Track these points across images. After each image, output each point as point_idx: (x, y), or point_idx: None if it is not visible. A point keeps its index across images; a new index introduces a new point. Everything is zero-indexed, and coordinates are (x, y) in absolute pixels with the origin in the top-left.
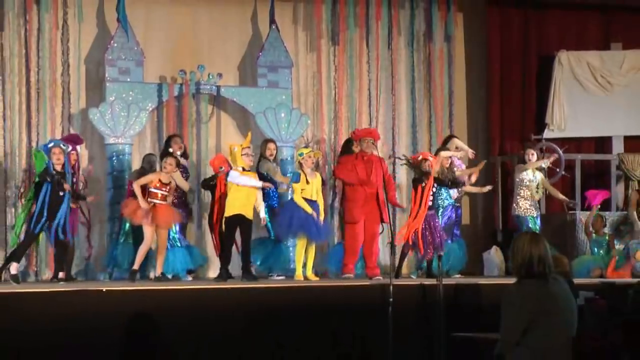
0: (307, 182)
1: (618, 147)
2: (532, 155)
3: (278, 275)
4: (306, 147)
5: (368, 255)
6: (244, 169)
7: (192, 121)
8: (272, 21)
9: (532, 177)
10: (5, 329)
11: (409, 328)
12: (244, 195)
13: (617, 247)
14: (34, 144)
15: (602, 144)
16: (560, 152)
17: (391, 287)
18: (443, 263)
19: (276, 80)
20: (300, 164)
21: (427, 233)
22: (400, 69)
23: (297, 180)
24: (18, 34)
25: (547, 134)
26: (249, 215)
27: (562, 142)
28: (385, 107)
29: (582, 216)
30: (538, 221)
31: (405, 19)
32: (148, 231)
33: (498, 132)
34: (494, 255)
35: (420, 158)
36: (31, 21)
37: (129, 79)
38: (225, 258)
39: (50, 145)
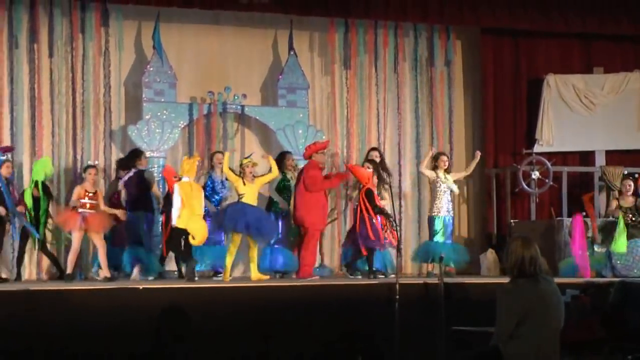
0: (239, 193)
1: (600, 160)
2: (445, 162)
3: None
4: (247, 157)
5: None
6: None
7: (220, 137)
8: (291, 48)
9: (442, 178)
10: (51, 321)
11: (413, 323)
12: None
13: (597, 250)
14: (78, 157)
15: (586, 157)
16: (549, 164)
17: (397, 286)
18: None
19: (294, 101)
20: (241, 172)
21: (365, 233)
22: (405, 91)
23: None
24: (65, 60)
25: (536, 148)
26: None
27: (550, 155)
28: (392, 124)
29: (567, 222)
30: (447, 221)
31: (409, 46)
32: (76, 237)
33: (492, 147)
34: (489, 257)
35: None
36: (77, 48)
37: (163, 100)
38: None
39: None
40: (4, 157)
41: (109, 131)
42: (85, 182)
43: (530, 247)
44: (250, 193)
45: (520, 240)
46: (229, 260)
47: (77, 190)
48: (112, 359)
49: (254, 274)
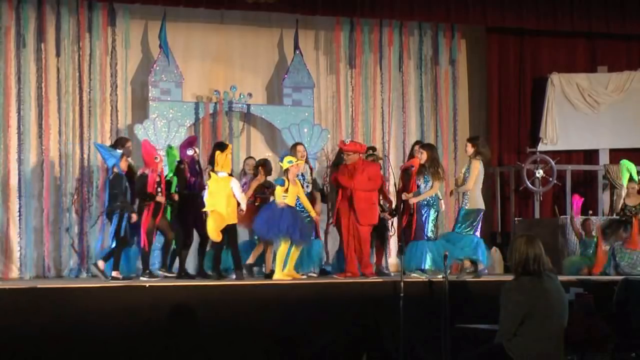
0: (286, 190)
1: (604, 158)
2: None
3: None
4: (294, 155)
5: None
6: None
7: (225, 135)
8: (297, 47)
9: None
10: (56, 319)
11: (418, 319)
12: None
13: (603, 248)
14: (85, 156)
15: (590, 155)
16: (553, 163)
17: (402, 283)
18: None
19: (300, 99)
20: (286, 171)
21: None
22: (410, 89)
23: (282, 184)
24: (72, 59)
25: (540, 146)
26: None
27: (554, 154)
28: (397, 123)
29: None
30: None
31: (414, 45)
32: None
33: (497, 145)
34: (494, 255)
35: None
36: (84, 47)
37: (169, 98)
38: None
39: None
40: (121, 151)
41: (115, 130)
42: (259, 177)
43: (535, 245)
44: (291, 194)
45: (525, 238)
46: (280, 257)
47: (254, 185)
48: (118, 357)
49: (290, 270)
